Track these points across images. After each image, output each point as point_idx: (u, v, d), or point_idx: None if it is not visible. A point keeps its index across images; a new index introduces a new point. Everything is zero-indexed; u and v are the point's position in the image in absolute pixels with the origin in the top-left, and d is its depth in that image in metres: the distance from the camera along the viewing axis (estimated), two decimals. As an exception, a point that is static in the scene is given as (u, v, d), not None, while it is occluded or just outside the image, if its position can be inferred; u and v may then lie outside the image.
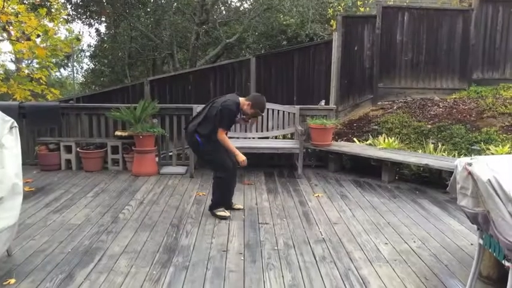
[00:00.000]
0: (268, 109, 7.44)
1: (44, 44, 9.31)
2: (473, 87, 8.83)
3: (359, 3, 10.77)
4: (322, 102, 7.81)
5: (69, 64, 20.33)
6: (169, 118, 7.48)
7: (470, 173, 2.86)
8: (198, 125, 4.83)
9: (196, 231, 4.48)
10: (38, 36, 9.16)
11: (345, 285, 3.37)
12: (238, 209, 5.12)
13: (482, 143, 6.86)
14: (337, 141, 7.77)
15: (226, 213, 4.87)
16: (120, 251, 3.96)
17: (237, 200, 5.33)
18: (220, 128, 4.71)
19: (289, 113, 7.47)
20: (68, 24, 14.53)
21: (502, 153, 6.09)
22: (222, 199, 4.96)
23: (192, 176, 6.75)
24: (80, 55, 22.59)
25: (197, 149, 4.95)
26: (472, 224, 3.20)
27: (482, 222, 2.90)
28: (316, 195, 5.84)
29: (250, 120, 4.96)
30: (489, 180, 2.69)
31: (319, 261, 3.79)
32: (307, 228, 4.62)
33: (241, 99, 4.82)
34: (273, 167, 7.46)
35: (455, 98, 8.65)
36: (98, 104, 7.86)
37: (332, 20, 10.48)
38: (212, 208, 4.95)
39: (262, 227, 4.63)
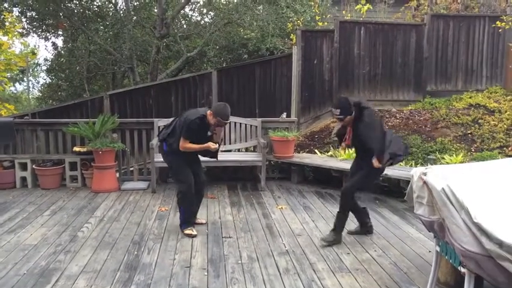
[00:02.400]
0: (230, 122, 7.45)
1: (-2, 58, 9.00)
2: (427, 99, 9.16)
3: (317, 18, 11.00)
4: (284, 115, 7.90)
5: (25, 78, 19.70)
6: (129, 133, 7.37)
7: (425, 183, 2.96)
8: (167, 135, 4.82)
9: (159, 248, 4.41)
10: (-9, 50, 8.86)
11: (308, 296, 3.39)
12: (201, 224, 5.08)
13: (437, 152, 7.11)
14: (299, 153, 7.86)
15: (193, 232, 4.78)
16: (78, 271, 3.84)
17: (200, 214, 5.27)
18: (181, 137, 4.65)
19: (251, 125, 7.51)
20: (23, 38, 14.11)
21: (455, 162, 6.32)
22: (187, 215, 4.86)
23: (154, 191, 6.65)
24: (36, 69, 21.93)
25: (164, 157, 4.99)
26: (429, 231, 3.31)
27: (438, 229, 3.00)
28: (280, 207, 5.87)
29: (216, 130, 4.84)
30: (443, 189, 2.79)
31: (283, 274, 3.80)
32: (271, 240, 4.63)
33: (208, 111, 4.73)
34: (236, 180, 7.45)
35: (411, 109, 8.94)
36: (55, 120, 7.64)
37: (292, 34, 10.64)
38: (181, 226, 4.87)
39: (225, 241, 4.61)
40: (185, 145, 4.69)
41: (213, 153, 4.98)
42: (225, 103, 4.85)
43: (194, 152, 4.90)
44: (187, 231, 4.76)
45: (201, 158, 5.10)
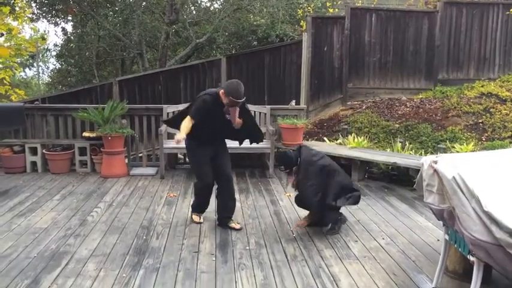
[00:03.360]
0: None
1: (8, 44, 9.02)
2: (438, 87, 9.06)
3: (328, 4, 10.89)
4: (293, 102, 7.86)
5: (35, 64, 19.78)
6: (138, 119, 7.39)
7: (435, 171, 2.93)
8: (180, 120, 4.53)
9: (167, 233, 4.43)
10: (2, 35, 8.89)
11: (316, 283, 3.40)
12: (235, 229, 4.55)
13: (447, 141, 7.04)
14: (307, 140, 7.83)
15: (199, 219, 4.75)
16: (88, 255, 3.88)
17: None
18: (188, 115, 4.31)
19: (260, 113, 7.49)
20: (33, 23, 14.15)
21: (466, 151, 6.27)
22: (197, 205, 4.83)
23: (162, 177, 6.68)
24: (45, 55, 22.03)
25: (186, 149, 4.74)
26: (438, 220, 3.29)
27: (447, 218, 2.98)
28: (288, 194, 5.87)
29: (230, 109, 4.37)
30: (454, 177, 2.76)
31: (290, 260, 3.81)
32: (279, 227, 4.63)
33: (221, 91, 4.37)
34: (245, 167, 7.45)
35: (421, 97, 8.86)
36: (65, 105, 7.69)
37: (302, 21, 10.55)
38: (192, 208, 4.89)
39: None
40: (186, 124, 4.22)
41: (257, 137, 4.85)
42: (238, 80, 4.36)
43: (222, 141, 4.65)
44: (194, 216, 4.78)
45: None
